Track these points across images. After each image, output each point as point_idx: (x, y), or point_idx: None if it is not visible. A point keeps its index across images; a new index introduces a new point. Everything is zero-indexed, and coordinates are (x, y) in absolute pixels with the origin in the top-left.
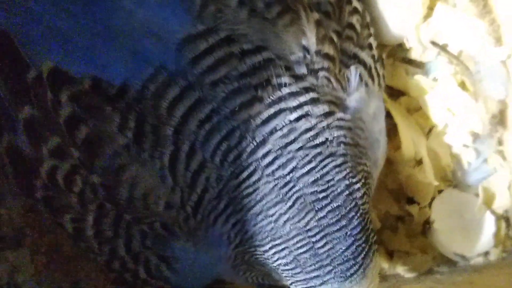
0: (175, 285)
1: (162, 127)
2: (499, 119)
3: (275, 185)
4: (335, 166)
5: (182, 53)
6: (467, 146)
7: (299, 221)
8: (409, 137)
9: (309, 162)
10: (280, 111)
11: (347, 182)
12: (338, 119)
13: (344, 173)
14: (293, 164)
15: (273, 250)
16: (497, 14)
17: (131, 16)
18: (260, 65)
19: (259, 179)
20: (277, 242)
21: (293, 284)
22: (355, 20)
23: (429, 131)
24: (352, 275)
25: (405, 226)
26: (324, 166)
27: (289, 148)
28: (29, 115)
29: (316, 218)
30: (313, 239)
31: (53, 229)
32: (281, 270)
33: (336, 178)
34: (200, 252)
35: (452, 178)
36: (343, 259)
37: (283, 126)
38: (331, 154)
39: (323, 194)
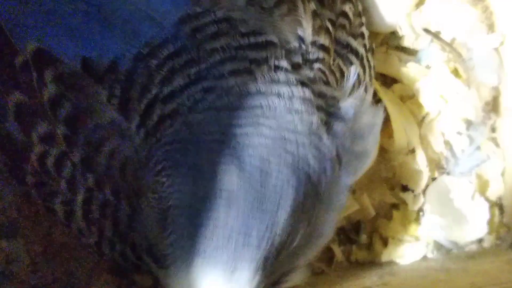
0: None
1: (147, 90)
2: (492, 106)
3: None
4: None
5: (180, 29)
6: (460, 133)
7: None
8: (402, 127)
9: (282, 139)
10: (269, 93)
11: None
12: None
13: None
14: (262, 133)
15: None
16: (490, 1)
17: (127, 0)
18: (261, 44)
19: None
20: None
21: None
22: (347, 8)
23: (422, 118)
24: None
25: (399, 214)
26: (298, 148)
27: (262, 121)
28: (19, 101)
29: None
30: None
31: (47, 218)
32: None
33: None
34: None
35: (446, 166)
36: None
37: (266, 106)
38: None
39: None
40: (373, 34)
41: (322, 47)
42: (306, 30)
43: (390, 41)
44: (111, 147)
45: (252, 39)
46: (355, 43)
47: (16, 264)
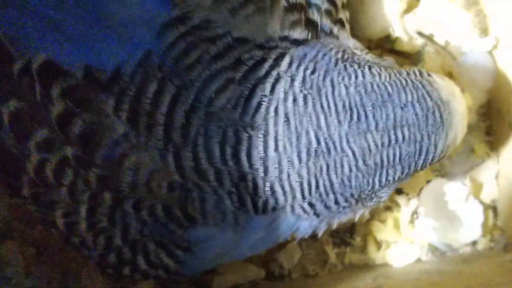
0: (176, 273)
1: (152, 117)
2: (486, 109)
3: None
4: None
5: (161, 39)
6: None
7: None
8: None
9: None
10: (255, 86)
11: None
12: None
13: None
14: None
15: None
16: (483, 5)
17: (123, 5)
18: (230, 45)
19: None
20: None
21: None
22: None
23: None
24: None
25: (393, 216)
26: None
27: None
28: (15, 109)
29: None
30: None
31: (41, 221)
32: None
33: None
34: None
35: (440, 168)
36: None
37: (264, 97)
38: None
39: None
40: (368, 40)
41: (295, 42)
42: (273, 27)
43: (385, 44)
44: (133, 163)
45: (220, 43)
46: (335, 30)
47: (10, 267)
